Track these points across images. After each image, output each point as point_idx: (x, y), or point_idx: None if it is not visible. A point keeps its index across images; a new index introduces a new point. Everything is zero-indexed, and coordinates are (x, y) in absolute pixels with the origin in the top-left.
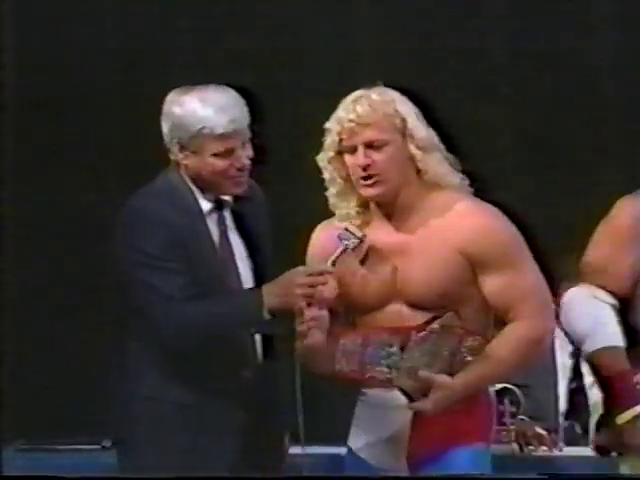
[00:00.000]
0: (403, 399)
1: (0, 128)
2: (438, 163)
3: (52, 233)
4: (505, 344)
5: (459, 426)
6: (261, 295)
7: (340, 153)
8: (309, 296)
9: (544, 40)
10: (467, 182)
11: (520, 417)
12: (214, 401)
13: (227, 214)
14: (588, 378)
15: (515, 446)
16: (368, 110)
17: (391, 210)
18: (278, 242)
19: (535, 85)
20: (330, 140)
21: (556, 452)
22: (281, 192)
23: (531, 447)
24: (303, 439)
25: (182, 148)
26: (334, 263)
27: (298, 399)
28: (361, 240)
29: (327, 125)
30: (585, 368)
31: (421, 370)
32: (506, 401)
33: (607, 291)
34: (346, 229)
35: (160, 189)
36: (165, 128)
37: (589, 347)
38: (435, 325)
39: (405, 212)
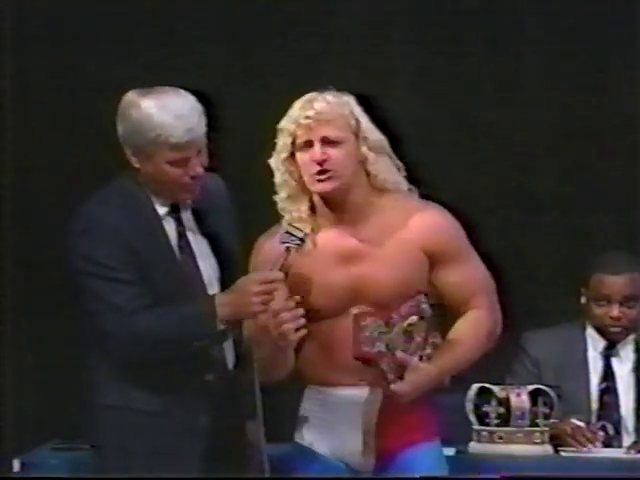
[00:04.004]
0: (370, 394)
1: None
2: (388, 168)
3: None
4: (469, 331)
5: (422, 420)
6: (213, 305)
7: (292, 155)
8: (264, 304)
9: None
10: (414, 189)
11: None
12: (178, 406)
13: (185, 215)
14: (620, 379)
15: (549, 447)
16: (326, 108)
17: (342, 213)
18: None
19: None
20: (283, 142)
21: (592, 449)
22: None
23: (566, 448)
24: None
25: (136, 152)
26: (282, 268)
27: (258, 404)
28: (302, 240)
29: (281, 125)
30: (617, 368)
31: (398, 351)
32: (539, 402)
33: None
34: (286, 231)
35: (113, 194)
36: (120, 130)
37: None
38: (411, 303)
39: (356, 215)
